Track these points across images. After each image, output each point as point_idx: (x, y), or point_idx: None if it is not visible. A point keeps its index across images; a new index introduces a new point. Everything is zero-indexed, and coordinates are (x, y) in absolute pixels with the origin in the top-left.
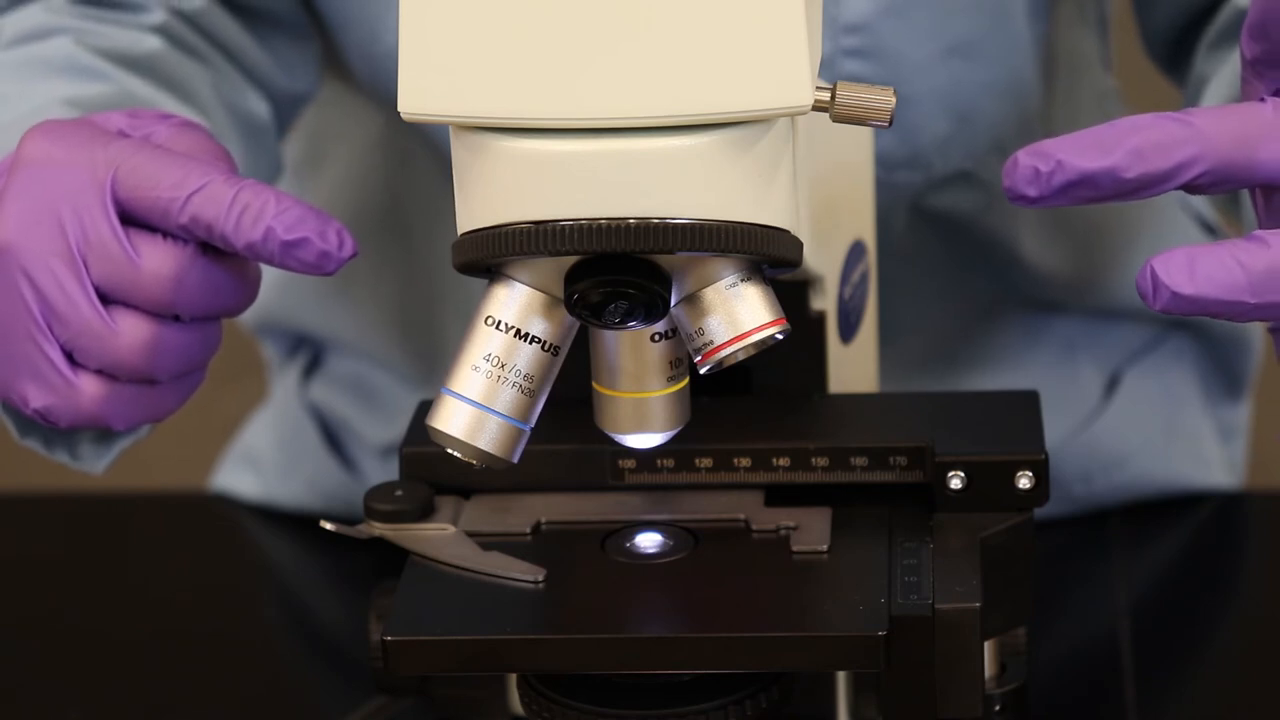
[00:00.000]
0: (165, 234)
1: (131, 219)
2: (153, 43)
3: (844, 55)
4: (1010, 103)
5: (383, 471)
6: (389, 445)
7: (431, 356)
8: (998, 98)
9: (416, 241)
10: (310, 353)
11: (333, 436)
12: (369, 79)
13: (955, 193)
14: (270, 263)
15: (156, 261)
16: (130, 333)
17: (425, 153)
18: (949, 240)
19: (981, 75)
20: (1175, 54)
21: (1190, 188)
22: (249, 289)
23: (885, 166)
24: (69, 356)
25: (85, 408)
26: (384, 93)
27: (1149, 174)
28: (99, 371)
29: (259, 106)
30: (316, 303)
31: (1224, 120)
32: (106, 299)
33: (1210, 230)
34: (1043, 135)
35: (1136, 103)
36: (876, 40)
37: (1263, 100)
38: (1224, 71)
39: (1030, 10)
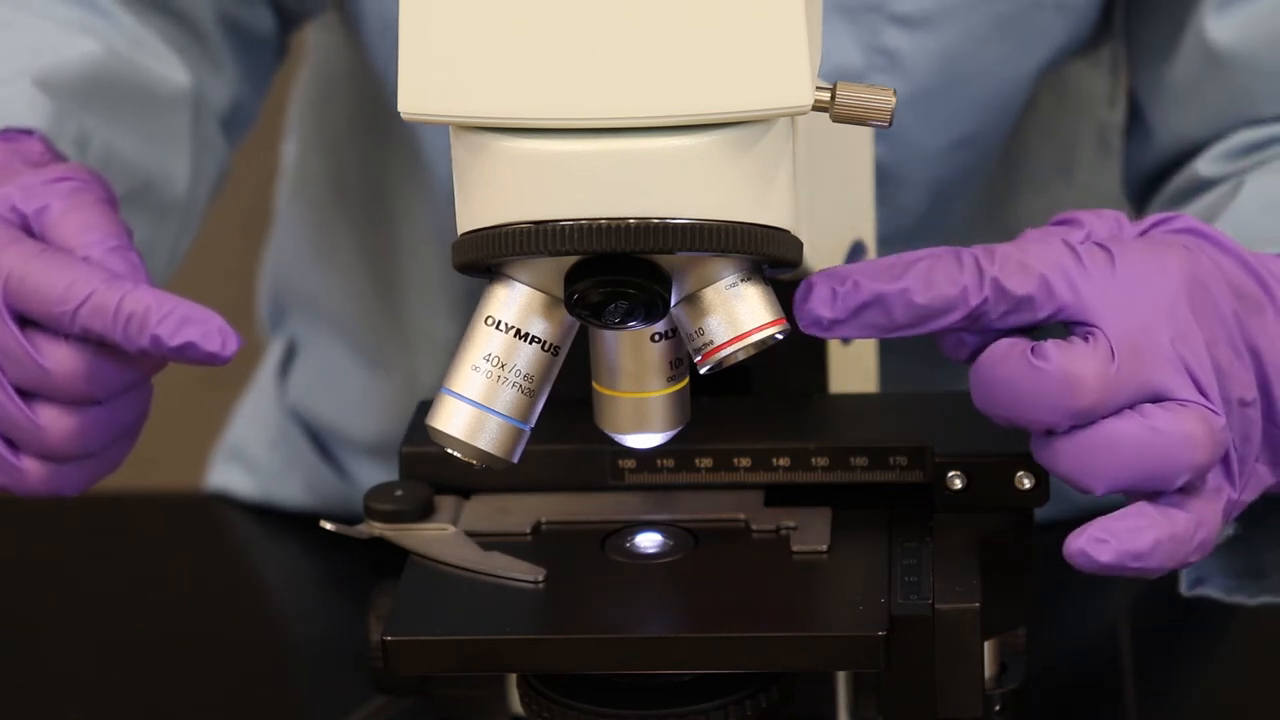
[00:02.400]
0: (67, 335)
1: (32, 322)
2: None
3: None
4: (979, 178)
5: (370, 470)
6: (372, 443)
7: (393, 336)
8: (977, 179)
9: (393, 216)
10: (286, 339)
11: (320, 442)
12: (379, 39)
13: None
14: (168, 359)
15: (61, 362)
16: (55, 425)
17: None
18: None
19: (973, 163)
20: (1145, 195)
21: (979, 320)
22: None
23: None
24: (11, 443)
25: (35, 485)
26: (386, 60)
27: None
28: (39, 455)
29: (265, 19)
30: (305, 260)
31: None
32: (27, 395)
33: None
34: (1003, 184)
35: None
36: (896, 127)
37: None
38: None
39: (1028, 103)
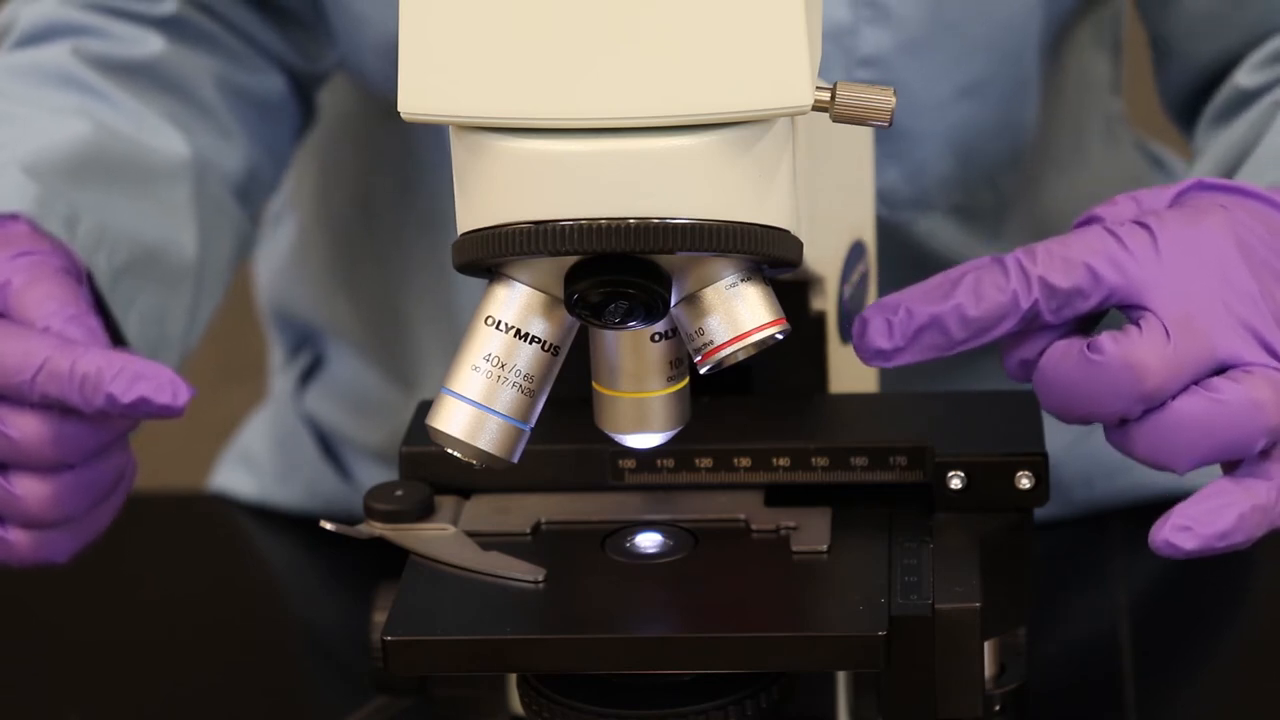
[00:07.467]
0: (31, 404)
1: None
2: (154, 44)
3: None
4: (1009, 138)
5: (374, 472)
6: (382, 450)
7: (407, 356)
8: (999, 134)
9: (408, 237)
10: (310, 355)
11: (329, 446)
12: (357, 70)
13: (944, 227)
14: (125, 417)
15: (26, 430)
16: (32, 494)
17: (406, 147)
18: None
19: (988, 114)
20: (1188, 118)
21: (1037, 320)
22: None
23: (889, 205)
24: None
25: (25, 555)
26: (374, 84)
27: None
28: (22, 525)
29: (274, 84)
30: (322, 289)
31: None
32: (1, 467)
33: None
34: (1032, 165)
35: (1144, 124)
36: (892, 77)
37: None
38: (1213, 149)
39: (1041, 48)
